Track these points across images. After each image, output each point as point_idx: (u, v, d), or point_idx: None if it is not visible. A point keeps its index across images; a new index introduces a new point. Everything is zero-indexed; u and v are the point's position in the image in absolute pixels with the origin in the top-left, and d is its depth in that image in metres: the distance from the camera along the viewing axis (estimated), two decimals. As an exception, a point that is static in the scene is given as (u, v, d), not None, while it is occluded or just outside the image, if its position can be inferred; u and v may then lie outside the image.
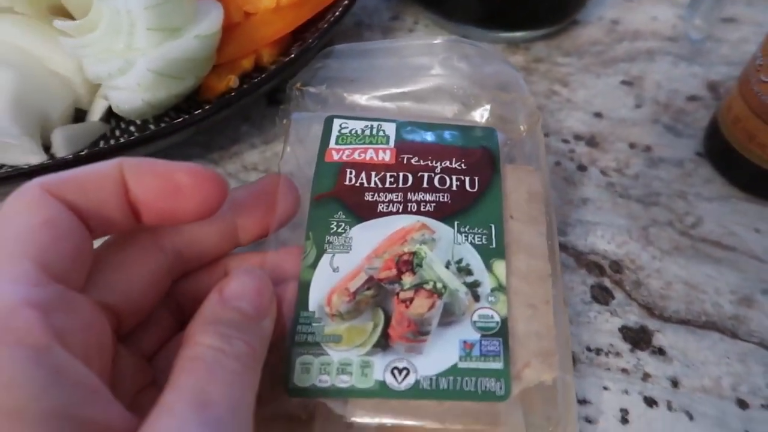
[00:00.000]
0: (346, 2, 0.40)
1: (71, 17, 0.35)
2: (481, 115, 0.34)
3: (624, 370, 0.30)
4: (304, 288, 0.26)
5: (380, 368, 0.24)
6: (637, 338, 0.31)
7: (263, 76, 0.35)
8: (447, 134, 0.32)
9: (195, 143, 0.40)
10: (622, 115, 0.43)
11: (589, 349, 0.31)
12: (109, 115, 0.36)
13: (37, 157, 0.33)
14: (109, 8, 0.31)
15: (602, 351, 0.31)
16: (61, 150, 0.33)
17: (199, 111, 0.33)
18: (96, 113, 0.35)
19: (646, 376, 0.30)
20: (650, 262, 0.35)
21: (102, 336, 0.20)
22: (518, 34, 0.48)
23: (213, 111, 0.34)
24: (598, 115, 0.43)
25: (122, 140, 0.34)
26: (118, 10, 0.31)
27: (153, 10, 0.32)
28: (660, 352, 0.31)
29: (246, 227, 0.26)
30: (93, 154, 0.31)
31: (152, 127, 0.35)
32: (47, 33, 0.34)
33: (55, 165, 0.31)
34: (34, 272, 0.18)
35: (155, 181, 0.22)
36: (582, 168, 0.40)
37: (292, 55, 0.37)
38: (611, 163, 0.40)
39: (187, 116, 0.33)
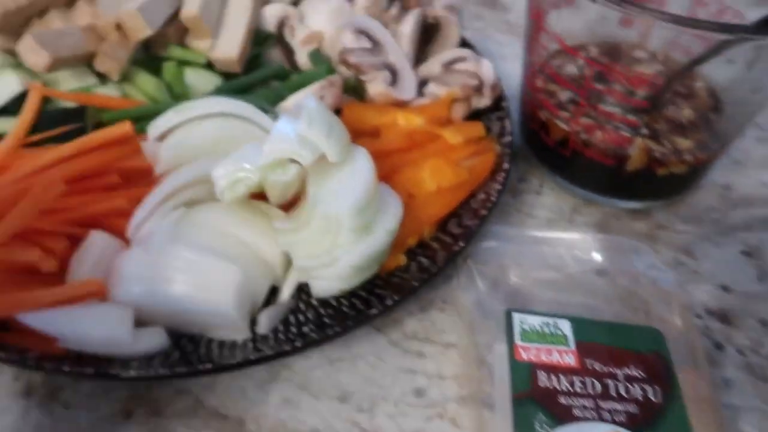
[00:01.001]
0: (499, 187, 0.45)
1: (265, 198, 0.40)
2: (641, 311, 0.38)
3: None
4: None
5: None
6: None
7: (437, 270, 0.40)
8: (619, 335, 0.35)
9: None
10: (747, 289, 0.46)
11: None
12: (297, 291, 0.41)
13: (244, 334, 0.37)
14: (321, 213, 0.37)
15: None
16: (263, 328, 0.37)
17: (383, 306, 0.38)
18: (287, 291, 0.40)
19: None
20: (800, 453, 0.37)
21: None
22: (640, 205, 0.51)
23: (395, 305, 0.38)
24: (725, 288, 0.46)
25: (309, 315, 0.39)
26: (328, 214, 0.36)
27: (357, 213, 0.37)
28: None
29: None
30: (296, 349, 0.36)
31: (333, 303, 0.39)
32: (252, 220, 0.40)
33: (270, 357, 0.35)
34: None
35: None
36: (719, 346, 0.42)
37: (461, 243, 0.41)
38: (745, 341, 0.43)
39: (374, 310, 0.38)
